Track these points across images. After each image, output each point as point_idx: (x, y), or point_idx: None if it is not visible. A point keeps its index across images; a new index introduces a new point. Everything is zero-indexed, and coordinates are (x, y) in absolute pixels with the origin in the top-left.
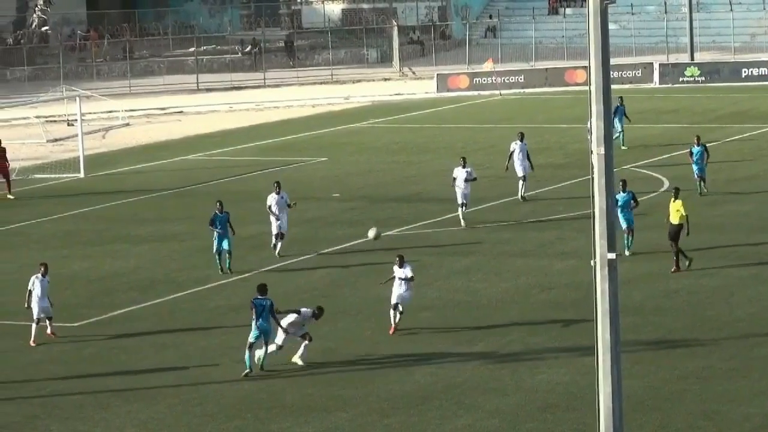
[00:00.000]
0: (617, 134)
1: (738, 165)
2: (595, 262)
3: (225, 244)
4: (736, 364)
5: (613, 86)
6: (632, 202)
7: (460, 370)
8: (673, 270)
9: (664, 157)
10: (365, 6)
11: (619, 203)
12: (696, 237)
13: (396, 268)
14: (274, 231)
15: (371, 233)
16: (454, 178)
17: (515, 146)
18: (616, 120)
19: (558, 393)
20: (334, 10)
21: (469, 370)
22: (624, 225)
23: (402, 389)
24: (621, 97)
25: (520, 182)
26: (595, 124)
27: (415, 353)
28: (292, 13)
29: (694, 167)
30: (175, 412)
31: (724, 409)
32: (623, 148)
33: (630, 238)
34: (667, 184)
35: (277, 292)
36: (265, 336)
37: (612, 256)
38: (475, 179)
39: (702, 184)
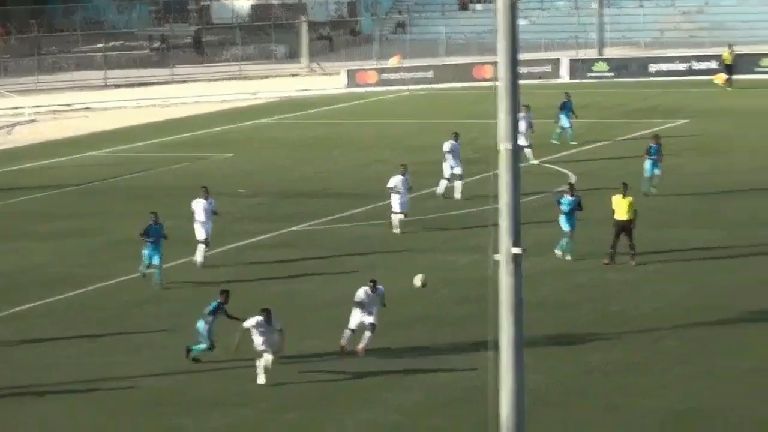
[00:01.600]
0: (561, 129)
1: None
2: (499, 258)
3: (155, 259)
4: (639, 358)
5: (522, 82)
6: (578, 208)
7: (364, 366)
8: (606, 263)
9: (573, 152)
10: (274, 1)
11: (564, 207)
12: (603, 231)
13: (368, 291)
14: (200, 237)
15: (418, 281)
16: (391, 187)
17: (449, 145)
18: (563, 115)
19: (461, 388)
20: (243, 5)
21: (373, 365)
22: (567, 228)
23: (304, 385)
24: (568, 93)
25: (444, 182)
26: (502, 120)
27: (318, 350)
28: (200, 9)
29: (647, 166)
30: (76, 408)
31: (627, 403)
32: (572, 143)
33: (570, 243)
34: (574, 179)
35: (183, 288)
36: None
37: (517, 251)
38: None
39: (650, 183)
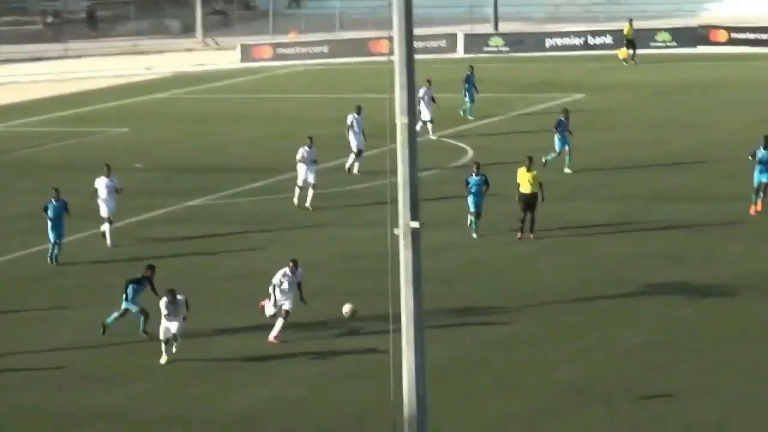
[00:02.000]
0: (468, 105)
1: (540, 135)
2: (397, 232)
3: (53, 236)
4: (538, 330)
5: (418, 56)
6: (485, 186)
7: (263, 340)
8: (519, 237)
9: (470, 126)
10: None
11: (471, 186)
12: (502, 206)
13: (287, 272)
14: (104, 215)
15: (347, 310)
16: (298, 159)
17: (352, 119)
18: (466, 90)
19: (362, 361)
20: None
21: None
22: (473, 208)
23: (204, 359)
24: (471, 66)
25: (352, 156)
26: (398, 94)
27: (217, 324)
28: None
29: (557, 139)
30: None
31: (527, 375)
32: (470, 117)
33: (476, 221)
34: (471, 153)
35: (78, 264)
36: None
37: (415, 225)
38: (315, 161)
39: (556, 156)
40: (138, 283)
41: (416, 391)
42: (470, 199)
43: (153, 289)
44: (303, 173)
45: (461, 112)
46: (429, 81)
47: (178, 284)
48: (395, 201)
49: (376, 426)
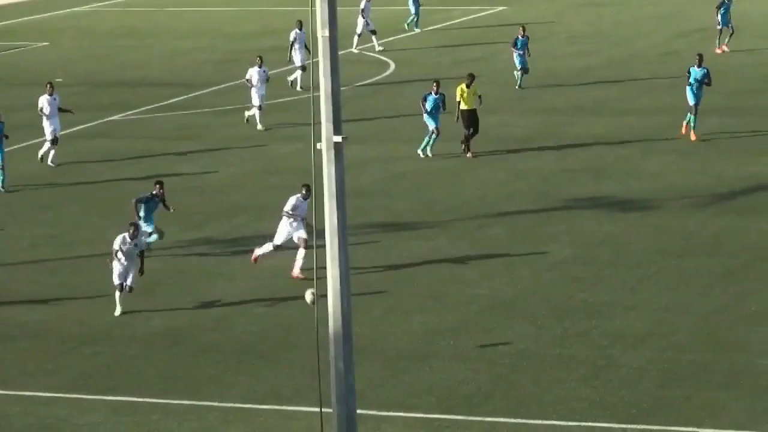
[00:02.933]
0: (413, 17)
1: (462, 48)
2: (320, 146)
3: None
4: (463, 246)
5: None
6: (442, 105)
7: (189, 258)
8: (469, 155)
9: (391, 39)
10: None
11: (429, 103)
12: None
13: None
14: (49, 137)
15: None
16: (248, 79)
17: (295, 34)
18: (412, 1)
19: (285, 277)
20: None
21: (198, 255)
22: (432, 125)
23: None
24: None
25: (298, 72)
26: (319, 6)
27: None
28: None
29: (517, 59)
30: None
31: (451, 291)
32: (416, 30)
33: (433, 140)
34: (393, 66)
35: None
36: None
37: (338, 139)
38: (268, 79)
39: (523, 76)
40: (148, 201)
41: (341, 306)
42: (427, 117)
43: (165, 205)
44: (257, 95)
45: (405, 25)
46: None
47: (102, 201)
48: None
49: (300, 342)
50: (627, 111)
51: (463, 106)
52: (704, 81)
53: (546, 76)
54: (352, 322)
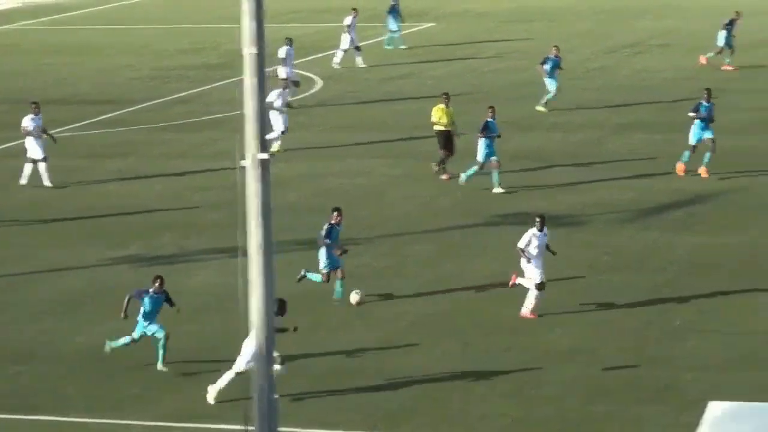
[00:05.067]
0: (392, 34)
1: (395, 66)
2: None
3: None
4: (390, 262)
5: None
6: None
7: (113, 274)
8: (445, 177)
9: (320, 56)
10: None
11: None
12: (349, 136)
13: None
14: (36, 155)
15: (354, 298)
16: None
17: (285, 52)
18: (391, 18)
19: (211, 294)
20: None
21: (122, 273)
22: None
23: (54, 294)
24: None
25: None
26: (246, 24)
27: (66, 260)
28: None
29: (548, 79)
30: None
31: (377, 308)
32: (402, 47)
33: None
34: (320, 83)
35: None
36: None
37: (264, 156)
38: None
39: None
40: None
41: (264, 324)
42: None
43: (170, 301)
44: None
45: (386, 47)
46: (355, 9)
47: (36, 221)
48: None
49: (227, 356)
50: (554, 126)
51: (439, 127)
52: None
53: (475, 92)
54: (274, 340)
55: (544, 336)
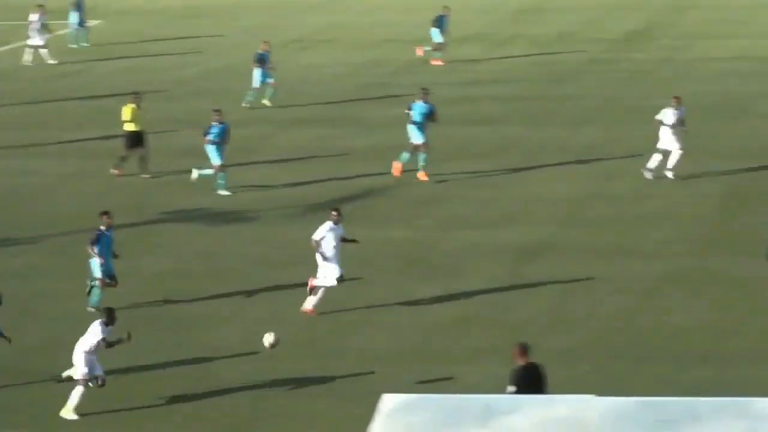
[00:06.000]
0: (76, 30)
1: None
2: None
3: None
4: (59, 261)
5: None
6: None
7: None
8: (118, 173)
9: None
10: None
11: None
12: (18, 135)
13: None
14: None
15: (268, 340)
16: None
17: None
18: (74, 14)
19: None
20: None
21: None
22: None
23: None
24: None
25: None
26: None
27: None
28: None
29: (256, 75)
30: None
31: (43, 307)
32: (85, 44)
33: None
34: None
35: None
36: None
37: None
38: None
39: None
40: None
41: None
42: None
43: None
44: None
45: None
46: (41, 6)
47: None
48: None
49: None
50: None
51: (130, 127)
52: (430, 117)
53: (145, 89)
54: None
55: (215, 332)
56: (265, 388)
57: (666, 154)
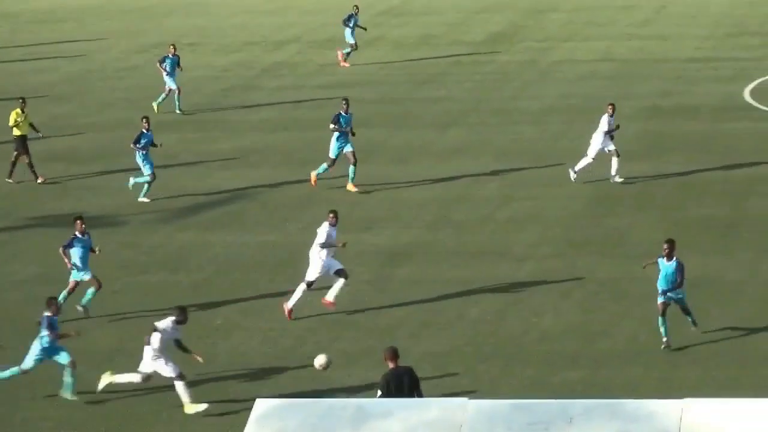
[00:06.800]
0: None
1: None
2: None
3: None
4: None
5: None
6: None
7: None
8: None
9: None
10: None
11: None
12: None
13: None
14: None
15: (320, 362)
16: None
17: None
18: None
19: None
20: None
21: None
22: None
23: None
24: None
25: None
26: None
27: None
28: None
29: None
30: None
31: None
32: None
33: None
34: None
35: None
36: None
37: None
38: None
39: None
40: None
41: None
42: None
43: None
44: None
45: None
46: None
47: None
48: None
49: None
50: (87, 126)
51: (17, 132)
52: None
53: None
54: None
55: (83, 340)
56: (136, 394)
57: (604, 158)
